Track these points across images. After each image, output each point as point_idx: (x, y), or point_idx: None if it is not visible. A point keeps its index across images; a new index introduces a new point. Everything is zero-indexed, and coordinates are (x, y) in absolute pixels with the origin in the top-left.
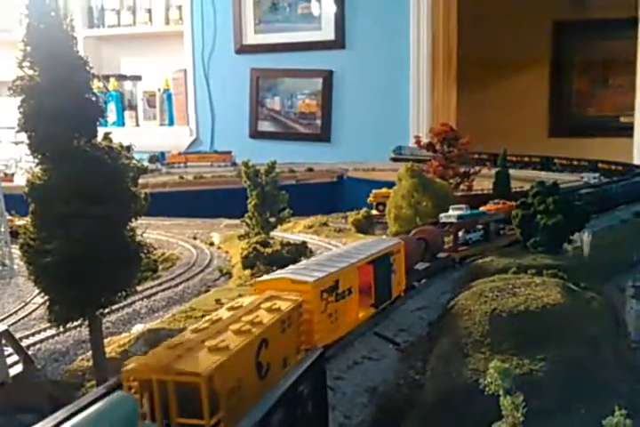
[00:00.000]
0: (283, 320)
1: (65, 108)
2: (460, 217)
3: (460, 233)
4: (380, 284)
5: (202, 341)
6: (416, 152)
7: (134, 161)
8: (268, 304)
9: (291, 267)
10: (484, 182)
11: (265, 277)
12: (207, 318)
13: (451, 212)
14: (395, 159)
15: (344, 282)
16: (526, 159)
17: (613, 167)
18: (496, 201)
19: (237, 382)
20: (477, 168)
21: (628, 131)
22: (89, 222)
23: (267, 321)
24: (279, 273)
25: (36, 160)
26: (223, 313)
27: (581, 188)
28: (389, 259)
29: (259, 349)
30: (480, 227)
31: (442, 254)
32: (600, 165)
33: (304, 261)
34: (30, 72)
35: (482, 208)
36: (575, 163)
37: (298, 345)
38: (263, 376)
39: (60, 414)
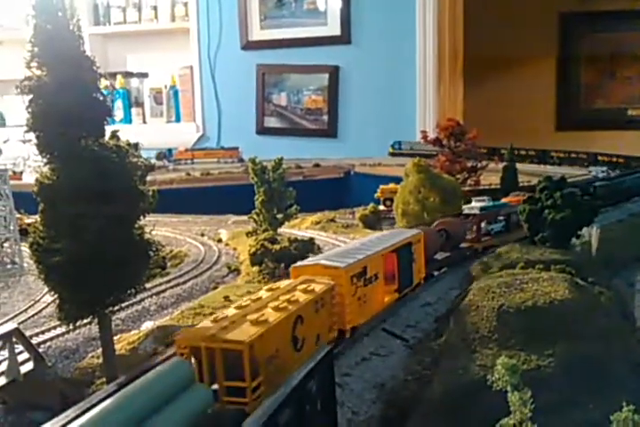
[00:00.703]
0: (316, 301)
1: (73, 108)
2: (482, 209)
3: (483, 224)
4: (403, 271)
5: (244, 315)
6: (415, 147)
7: (142, 159)
8: (303, 286)
9: (322, 254)
10: (491, 177)
11: (300, 262)
12: (248, 297)
13: (474, 203)
14: (393, 154)
15: (371, 268)
16: (523, 153)
17: (614, 159)
18: (517, 193)
19: (275, 351)
20: (485, 163)
21: (636, 123)
22: (97, 222)
23: (302, 300)
24: (313, 259)
25: (45, 159)
26: (263, 293)
27: (594, 180)
28: (411, 248)
29: (294, 324)
30: (501, 218)
31: (464, 245)
32: (599, 157)
33: (334, 250)
34: (38, 72)
35: (503, 200)
36: (573, 155)
37: (331, 325)
38: (298, 349)
39: (71, 412)
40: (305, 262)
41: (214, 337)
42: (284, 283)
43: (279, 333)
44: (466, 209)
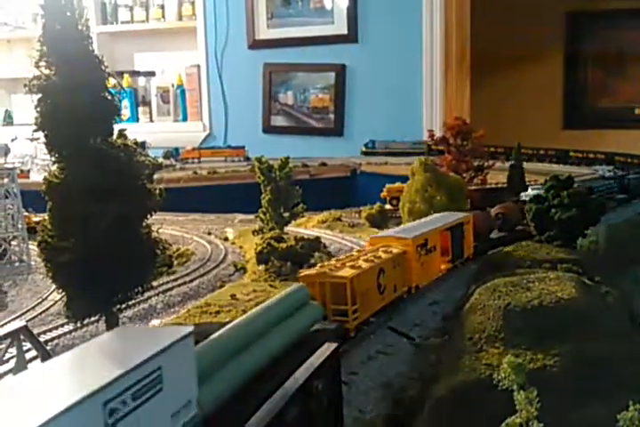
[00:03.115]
0: (394, 259)
1: (81, 107)
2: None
3: None
4: (455, 246)
5: (343, 263)
6: (391, 146)
7: (149, 158)
8: (383, 249)
9: (391, 229)
10: (497, 176)
11: (374, 235)
12: (343, 255)
13: (530, 191)
14: (365, 153)
15: (431, 241)
16: (492, 149)
17: (591, 156)
18: None
19: (366, 290)
20: (491, 162)
21: None
22: (105, 220)
23: (384, 257)
24: (386, 233)
25: (53, 158)
26: (354, 253)
27: (627, 174)
28: (462, 228)
29: (379, 273)
30: None
31: (521, 227)
32: (572, 153)
33: (400, 226)
34: (47, 71)
35: None
36: (542, 152)
37: (403, 281)
38: (381, 292)
39: None
40: (380, 235)
41: (325, 274)
42: (368, 248)
43: (369, 276)
44: (523, 196)
